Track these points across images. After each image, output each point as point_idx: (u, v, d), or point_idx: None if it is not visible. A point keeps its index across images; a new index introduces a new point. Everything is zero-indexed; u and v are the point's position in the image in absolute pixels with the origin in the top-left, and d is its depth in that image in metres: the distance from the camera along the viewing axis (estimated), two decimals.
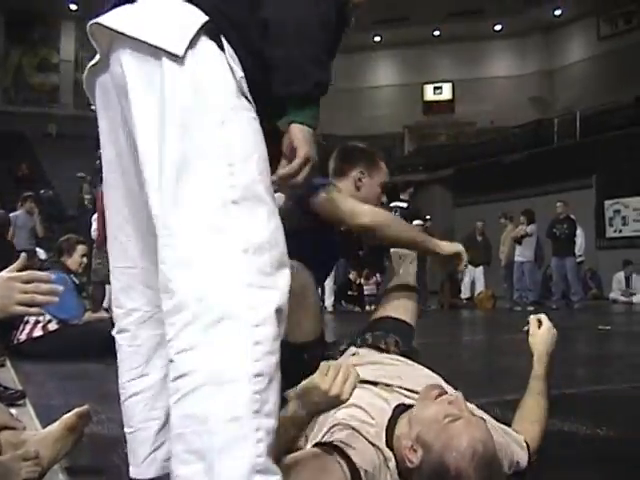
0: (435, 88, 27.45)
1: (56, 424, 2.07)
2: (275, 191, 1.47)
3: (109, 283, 6.49)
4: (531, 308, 11.99)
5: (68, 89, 25.56)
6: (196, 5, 1.44)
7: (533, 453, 2.01)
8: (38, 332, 5.36)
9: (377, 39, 26.89)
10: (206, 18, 1.42)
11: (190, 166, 1.36)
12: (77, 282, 6.07)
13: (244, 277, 1.32)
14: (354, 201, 2.68)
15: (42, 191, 17.41)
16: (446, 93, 27.50)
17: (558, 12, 24.99)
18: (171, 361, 1.32)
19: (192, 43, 1.40)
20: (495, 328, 9.25)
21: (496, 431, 1.87)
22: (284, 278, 1.37)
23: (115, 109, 1.57)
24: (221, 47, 1.43)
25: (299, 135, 1.50)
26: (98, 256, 6.74)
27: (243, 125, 1.41)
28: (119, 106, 1.53)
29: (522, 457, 1.97)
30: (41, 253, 10.68)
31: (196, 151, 1.37)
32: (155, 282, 1.59)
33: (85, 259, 6.18)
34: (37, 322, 5.33)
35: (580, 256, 14.04)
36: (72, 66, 25.66)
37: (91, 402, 2.22)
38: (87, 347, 5.32)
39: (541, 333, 2.30)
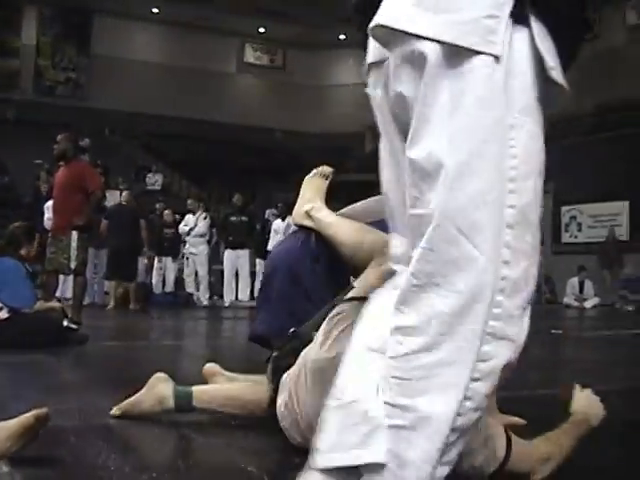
0: None
1: (13, 421, 2.04)
2: None
3: (62, 272, 6.36)
4: None
5: (28, 74, 25.09)
6: None
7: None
8: None
9: (342, 37, 26.92)
10: (511, 1, 1.21)
11: (471, 171, 1.19)
12: (30, 270, 5.98)
13: (492, 324, 1.22)
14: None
15: None
16: None
17: None
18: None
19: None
20: None
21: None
22: (526, 324, 1.28)
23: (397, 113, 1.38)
24: (527, 25, 1.25)
25: None
26: (52, 245, 6.62)
27: (531, 131, 1.24)
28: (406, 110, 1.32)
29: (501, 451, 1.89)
30: None
31: (480, 156, 1.19)
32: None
33: (38, 247, 6.09)
34: None
35: None
36: (34, 50, 25.18)
37: (39, 393, 2.18)
38: (38, 337, 5.25)
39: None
